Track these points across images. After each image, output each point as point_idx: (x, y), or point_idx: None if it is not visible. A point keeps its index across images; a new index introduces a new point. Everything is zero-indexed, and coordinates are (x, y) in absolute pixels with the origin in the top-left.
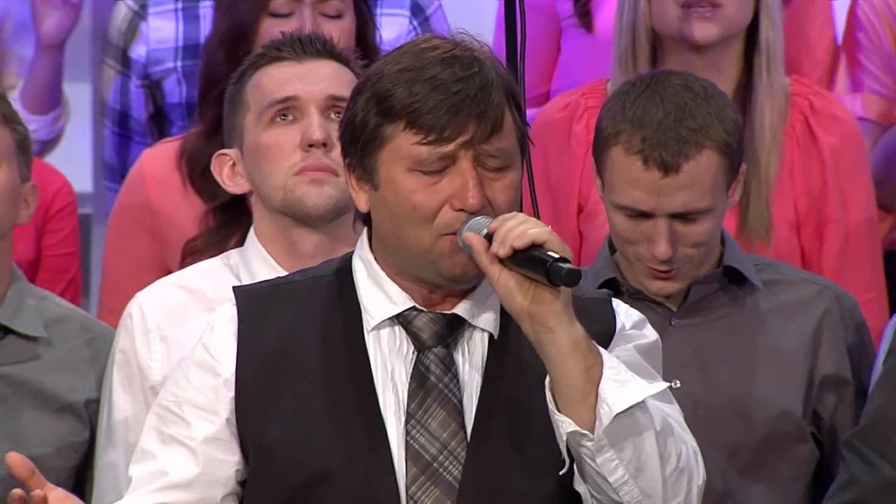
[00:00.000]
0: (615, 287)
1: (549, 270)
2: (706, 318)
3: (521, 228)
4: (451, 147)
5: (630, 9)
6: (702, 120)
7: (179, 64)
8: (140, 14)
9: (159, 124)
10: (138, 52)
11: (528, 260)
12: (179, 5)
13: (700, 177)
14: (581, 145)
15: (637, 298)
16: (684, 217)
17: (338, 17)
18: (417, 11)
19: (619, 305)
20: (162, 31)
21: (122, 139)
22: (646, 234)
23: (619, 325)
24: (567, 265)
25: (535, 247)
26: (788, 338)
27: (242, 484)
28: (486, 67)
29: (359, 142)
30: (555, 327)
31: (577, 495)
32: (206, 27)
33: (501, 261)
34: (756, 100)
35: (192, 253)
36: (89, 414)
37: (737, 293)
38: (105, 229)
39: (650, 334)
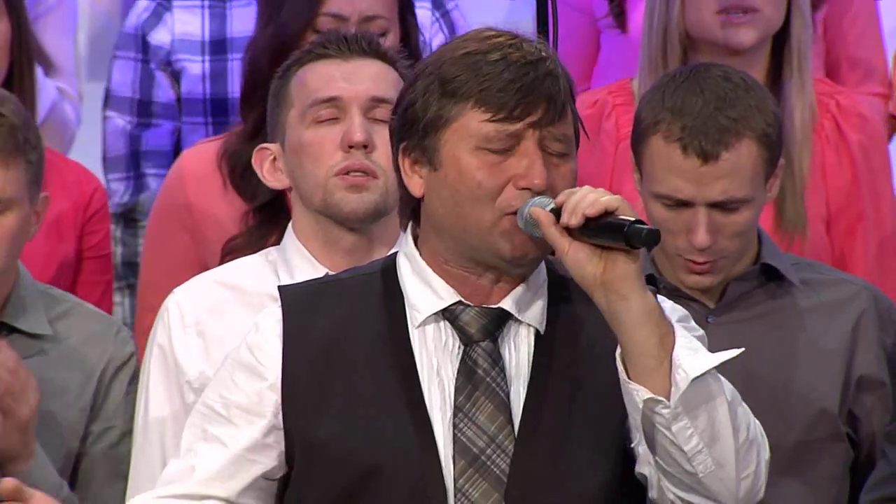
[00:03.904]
0: (652, 284)
1: (629, 233)
2: (744, 316)
3: (592, 197)
4: (518, 126)
5: (662, 11)
6: (742, 110)
7: (207, 58)
8: (164, 5)
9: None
10: (160, 38)
11: (602, 227)
12: (206, 3)
13: (739, 166)
14: (611, 141)
15: (674, 295)
16: (723, 206)
17: (382, 35)
18: (438, 4)
19: (663, 301)
20: (188, 25)
21: (138, 128)
22: (685, 224)
23: None
24: (645, 226)
25: (607, 214)
26: (826, 337)
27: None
28: (552, 57)
29: (419, 123)
30: (629, 294)
31: (632, 485)
32: (232, 26)
33: (570, 233)
34: (787, 98)
35: (232, 252)
36: (93, 404)
37: (775, 291)
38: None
39: (696, 328)
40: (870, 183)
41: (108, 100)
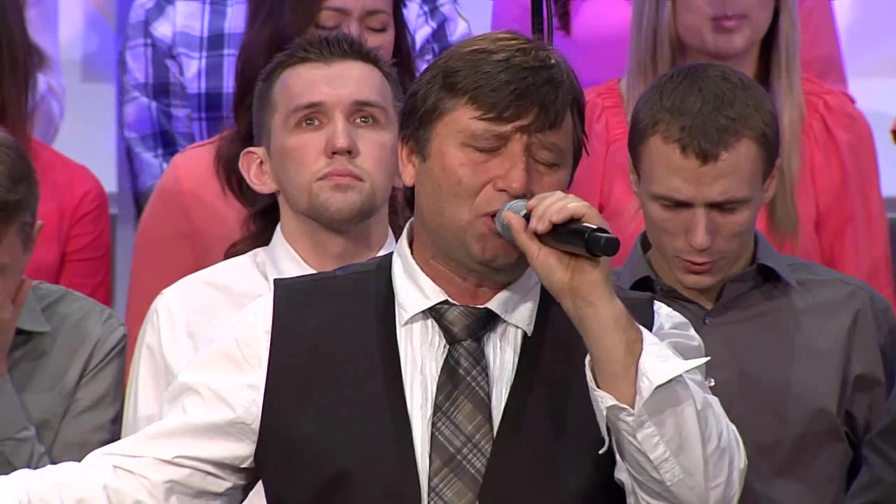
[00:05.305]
0: (649, 286)
1: (589, 240)
2: (741, 316)
3: (559, 204)
4: (507, 128)
5: (651, 14)
6: (740, 109)
7: (204, 55)
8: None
9: None
10: (162, 31)
11: (566, 233)
12: None
13: (738, 166)
14: (601, 144)
15: (671, 297)
16: (722, 207)
17: (382, 30)
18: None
19: (660, 308)
20: (189, 18)
21: (161, 109)
22: (684, 225)
23: (656, 325)
24: (605, 234)
25: (574, 221)
26: (823, 337)
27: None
28: (560, 67)
29: (418, 112)
30: (596, 301)
31: (615, 491)
32: (231, 22)
33: (541, 238)
34: (775, 98)
35: (235, 257)
36: (76, 386)
37: (771, 291)
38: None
39: (692, 336)
40: (858, 182)
41: (126, 88)
